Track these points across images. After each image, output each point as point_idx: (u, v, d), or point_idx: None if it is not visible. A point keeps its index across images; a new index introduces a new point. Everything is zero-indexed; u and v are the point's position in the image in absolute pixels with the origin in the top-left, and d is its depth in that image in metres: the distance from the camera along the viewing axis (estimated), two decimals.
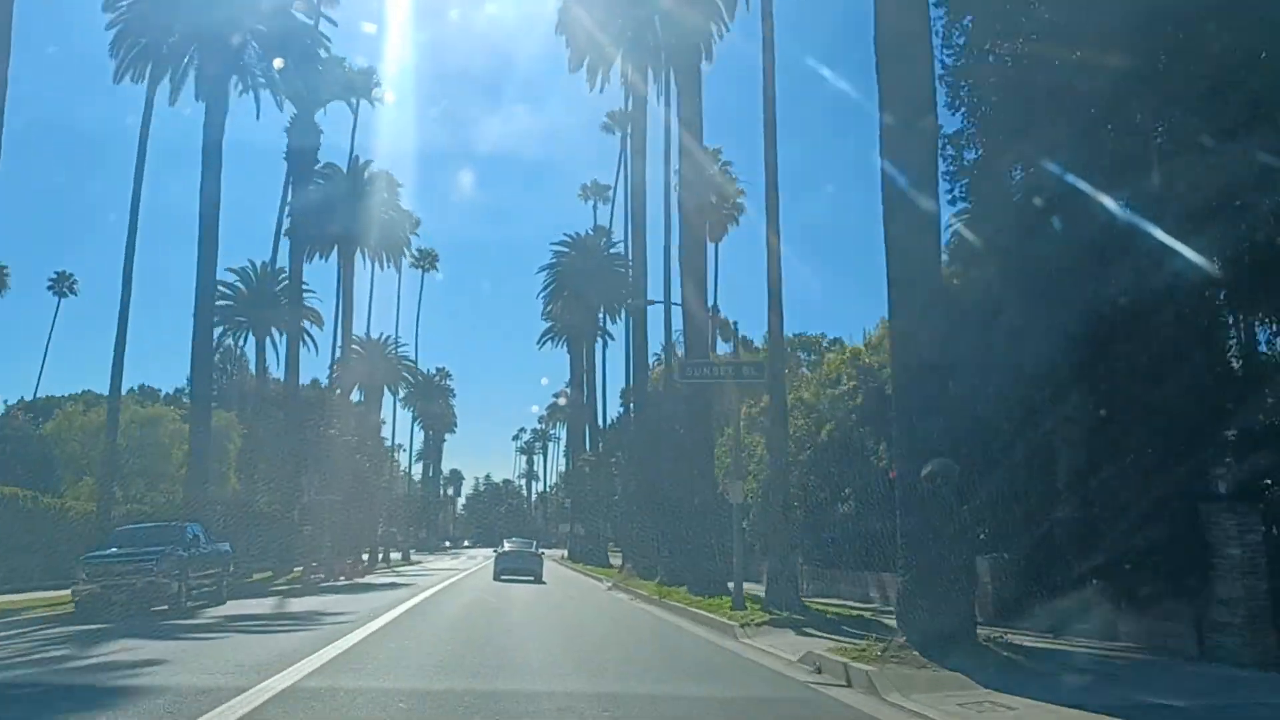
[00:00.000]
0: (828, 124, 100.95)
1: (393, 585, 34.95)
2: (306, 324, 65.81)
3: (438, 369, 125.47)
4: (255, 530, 43.37)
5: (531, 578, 38.09)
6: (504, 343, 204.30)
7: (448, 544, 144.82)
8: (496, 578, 38.06)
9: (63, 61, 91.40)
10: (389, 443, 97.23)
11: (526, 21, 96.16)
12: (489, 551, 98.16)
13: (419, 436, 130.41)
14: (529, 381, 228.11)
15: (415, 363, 78.98)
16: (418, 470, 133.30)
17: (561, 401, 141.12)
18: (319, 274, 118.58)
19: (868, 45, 14.05)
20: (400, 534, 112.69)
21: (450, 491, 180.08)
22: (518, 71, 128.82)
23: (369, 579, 41.95)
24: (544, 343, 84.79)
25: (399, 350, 71.62)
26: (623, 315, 63.60)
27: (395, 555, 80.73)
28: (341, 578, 40.28)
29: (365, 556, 68.62)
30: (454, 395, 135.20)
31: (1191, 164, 13.22)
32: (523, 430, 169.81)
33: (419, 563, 72.15)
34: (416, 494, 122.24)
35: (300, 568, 41.93)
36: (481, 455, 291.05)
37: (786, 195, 22.64)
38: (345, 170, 57.35)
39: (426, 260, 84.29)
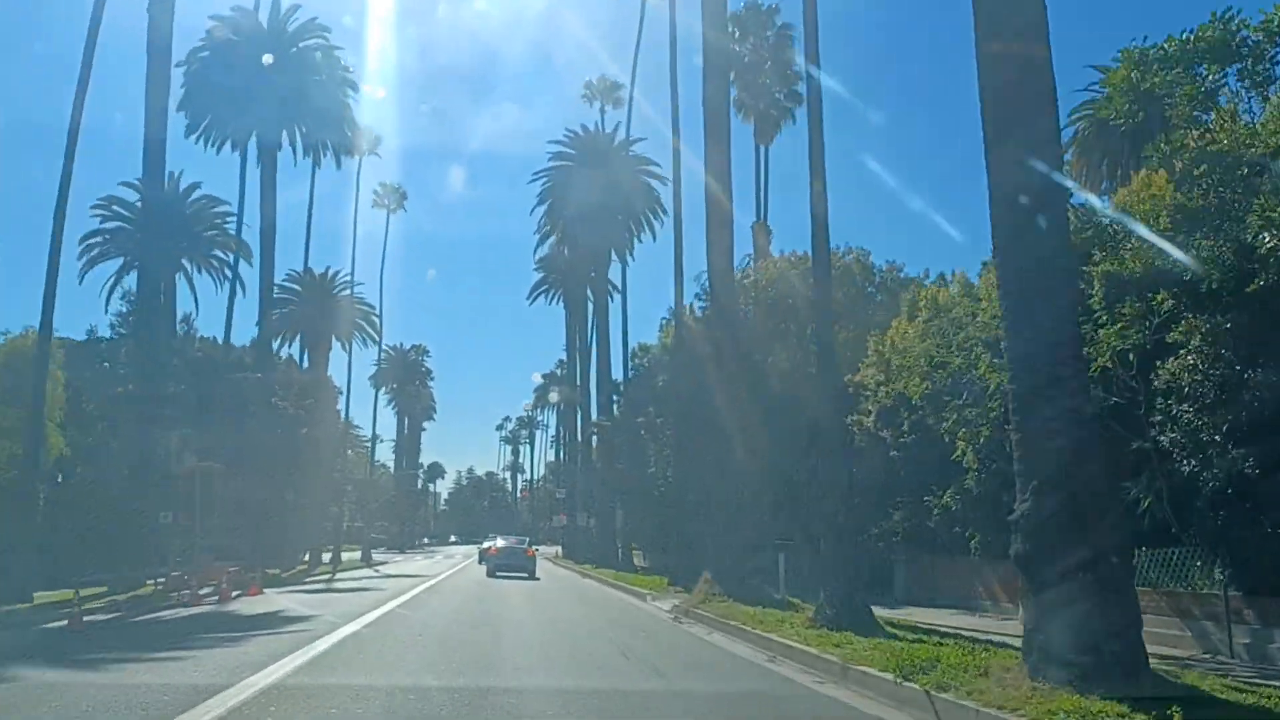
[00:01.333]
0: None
1: (264, 623, 17.29)
2: (226, 255, 48.26)
3: (413, 345, 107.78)
4: (83, 517, 25.86)
5: (525, 574, 36.08)
6: (491, 341, 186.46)
7: (426, 541, 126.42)
8: (491, 575, 35.79)
9: None
10: (354, 427, 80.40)
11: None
12: (470, 549, 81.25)
13: (399, 427, 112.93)
14: (517, 380, 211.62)
15: (379, 317, 60.66)
16: (400, 464, 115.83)
17: (553, 397, 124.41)
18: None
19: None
20: (370, 529, 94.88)
21: (431, 486, 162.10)
22: (507, 68, 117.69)
23: (263, 599, 24.29)
24: (535, 297, 67.60)
25: (355, 291, 53.33)
26: (651, 232, 46.53)
27: (352, 555, 63.05)
28: (209, 601, 22.70)
29: (306, 557, 51.29)
30: (432, 378, 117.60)
31: None
32: (507, 419, 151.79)
33: (380, 565, 54.35)
34: (386, 481, 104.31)
35: (156, 580, 24.66)
36: (466, 453, 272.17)
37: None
38: (265, 25, 39.88)
39: (394, 197, 66.54)
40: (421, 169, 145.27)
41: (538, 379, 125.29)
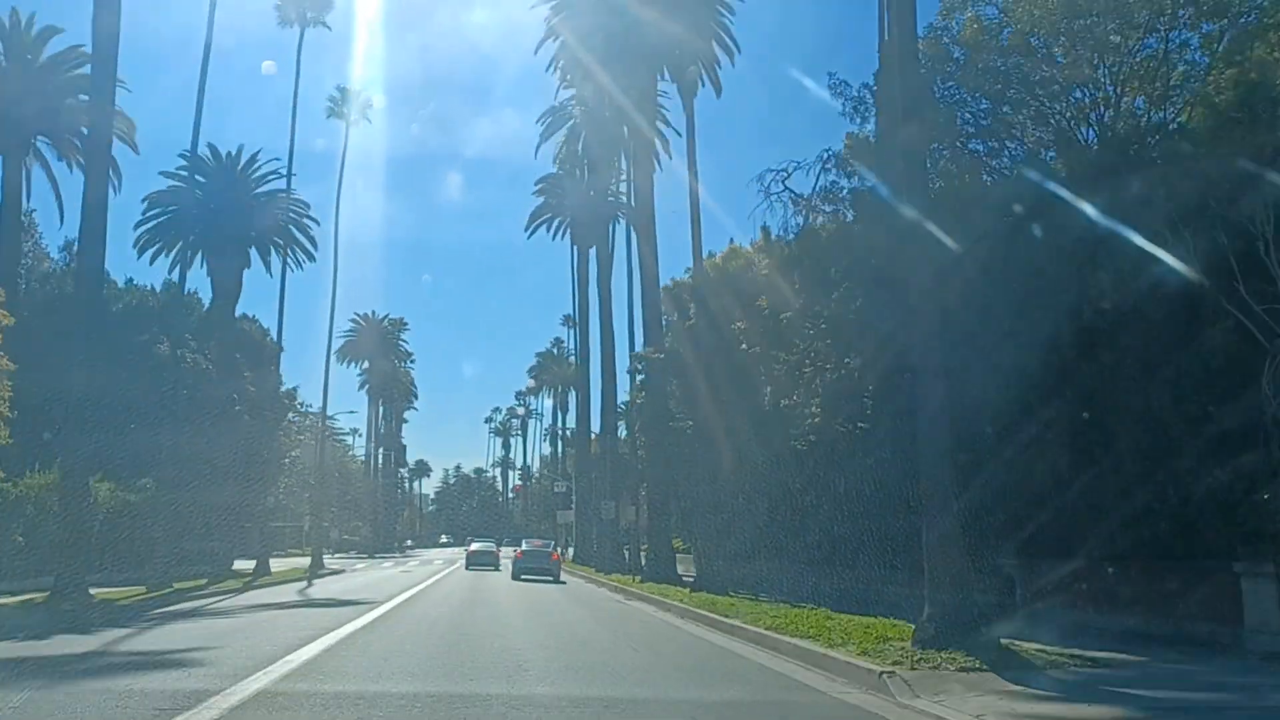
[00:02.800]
0: (809, 131, 74.16)
1: None
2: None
3: (386, 316, 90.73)
4: None
5: (550, 578, 32.70)
6: (481, 340, 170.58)
7: (410, 543, 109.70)
8: (516, 578, 32.70)
9: None
10: (306, 405, 63.85)
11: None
12: (455, 553, 66.34)
13: (371, 413, 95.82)
14: (508, 376, 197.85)
15: (326, 225, 43.35)
16: (372, 455, 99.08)
17: (548, 402, 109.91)
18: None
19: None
20: (334, 529, 78.36)
21: (417, 486, 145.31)
22: (503, 74, 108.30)
23: None
24: (534, 228, 51.29)
25: (290, 188, 35.48)
26: (714, 85, 30.30)
27: (293, 562, 46.69)
28: None
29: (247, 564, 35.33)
30: (413, 360, 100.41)
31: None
32: (497, 410, 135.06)
33: (329, 577, 38.10)
34: (358, 475, 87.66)
35: None
36: (456, 454, 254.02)
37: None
38: None
39: (354, 104, 49.65)
40: (414, 173, 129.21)
41: (530, 384, 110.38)
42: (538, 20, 32.41)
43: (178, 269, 33.27)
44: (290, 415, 56.96)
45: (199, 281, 35.11)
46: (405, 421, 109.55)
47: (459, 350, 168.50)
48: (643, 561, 29.53)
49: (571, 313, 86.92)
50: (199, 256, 33.53)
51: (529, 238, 50.87)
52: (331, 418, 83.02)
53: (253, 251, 34.45)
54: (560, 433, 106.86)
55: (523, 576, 32.58)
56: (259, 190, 34.12)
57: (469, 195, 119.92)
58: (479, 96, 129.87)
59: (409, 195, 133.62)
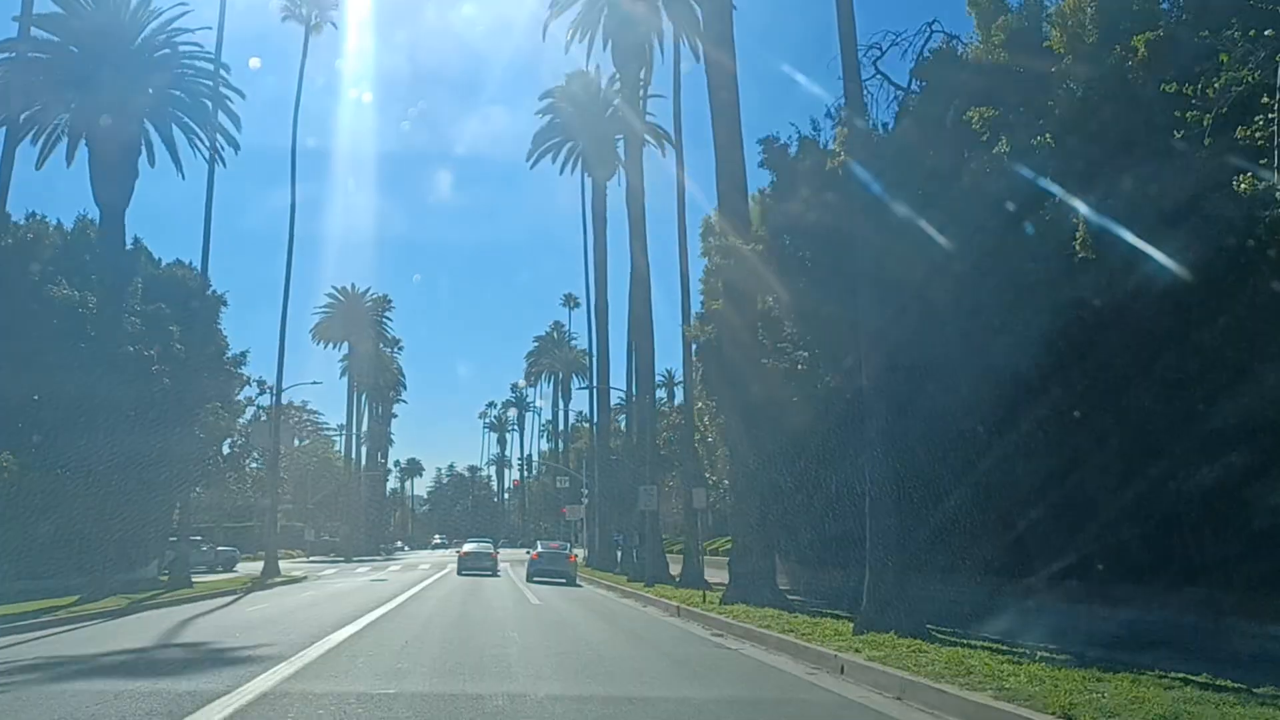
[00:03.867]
0: (803, 127, 65.71)
1: None
2: None
3: (369, 290, 79.62)
4: None
5: (564, 580, 31.15)
6: (476, 341, 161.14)
7: (400, 545, 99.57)
8: (529, 579, 30.96)
9: None
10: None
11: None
12: (446, 556, 57.25)
13: (351, 402, 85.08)
14: (503, 374, 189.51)
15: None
16: (352, 449, 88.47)
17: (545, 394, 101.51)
18: None
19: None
20: (316, 530, 68.38)
21: (410, 486, 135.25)
22: (494, 71, 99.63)
23: None
24: (538, 157, 41.17)
25: (220, 68, 25.01)
26: None
27: (256, 567, 36.78)
28: None
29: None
30: (401, 347, 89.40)
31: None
32: (492, 404, 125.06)
33: (280, 585, 28.17)
34: (332, 467, 77.29)
35: None
36: (450, 455, 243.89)
37: None
38: None
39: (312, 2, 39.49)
40: (404, 172, 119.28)
41: (520, 384, 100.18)
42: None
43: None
44: (247, 392, 46.91)
45: (80, 184, 24.86)
46: (394, 416, 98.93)
47: (453, 348, 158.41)
48: (727, 577, 18.57)
49: (573, 292, 76.68)
50: (80, 145, 23.30)
51: (531, 168, 40.78)
52: (305, 405, 72.81)
53: (156, 139, 24.09)
54: (564, 424, 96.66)
55: (537, 579, 31.02)
56: (160, 52, 23.69)
57: (460, 192, 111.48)
58: (471, 91, 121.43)
59: (400, 192, 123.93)
